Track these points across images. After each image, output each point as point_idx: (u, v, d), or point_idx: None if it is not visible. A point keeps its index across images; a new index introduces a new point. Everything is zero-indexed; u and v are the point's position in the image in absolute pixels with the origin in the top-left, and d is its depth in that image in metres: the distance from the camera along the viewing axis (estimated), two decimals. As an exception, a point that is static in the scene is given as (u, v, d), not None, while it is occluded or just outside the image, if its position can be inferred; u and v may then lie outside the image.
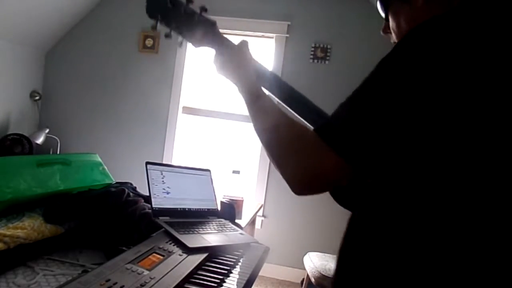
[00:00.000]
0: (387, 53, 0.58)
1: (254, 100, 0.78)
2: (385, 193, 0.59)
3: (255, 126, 0.75)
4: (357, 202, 0.67)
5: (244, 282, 0.95)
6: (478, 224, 0.52)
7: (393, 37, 0.75)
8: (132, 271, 0.80)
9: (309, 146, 0.60)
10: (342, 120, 0.58)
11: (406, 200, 0.56)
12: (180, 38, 0.87)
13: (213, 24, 0.86)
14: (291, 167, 0.63)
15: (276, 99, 0.86)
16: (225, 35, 0.87)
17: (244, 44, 0.85)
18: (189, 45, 0.88)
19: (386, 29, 0.76)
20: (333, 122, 0.59)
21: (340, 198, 0.77)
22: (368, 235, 0.59)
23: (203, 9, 0.86)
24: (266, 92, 0.84)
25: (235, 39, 0.86)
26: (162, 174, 1.28)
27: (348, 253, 0.62)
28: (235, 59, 0.83)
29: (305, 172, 0.60)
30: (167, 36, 0.85)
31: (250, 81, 0.81)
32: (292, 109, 0.86)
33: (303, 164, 0.60)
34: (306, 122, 0.83)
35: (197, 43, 0.87)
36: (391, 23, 0.73)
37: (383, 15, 0.76)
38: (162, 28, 0.83)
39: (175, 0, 0.82)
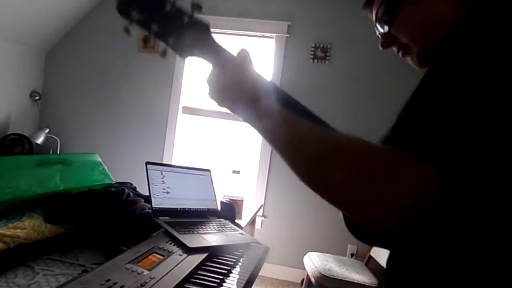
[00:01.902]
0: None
1: (277, 125, 0.58)
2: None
3: (277, 145, 0.58)
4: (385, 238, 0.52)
5: (244, 282, 0.95)
6: None
7: (398, 46, 0.66)
8: (132, 271, 0.80)
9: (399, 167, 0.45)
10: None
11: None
12: (162, 45, 0.66)
13: (206, 28, 0.67)
14: (380, 196, 0.46)
15: None
16: (218, 43, 0.68)
17: (246, 56, 0.64)
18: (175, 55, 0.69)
19: (388, 40, 0.67)
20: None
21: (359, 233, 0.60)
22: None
23: (197, 6, 0.64)
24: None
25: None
26: (162, 174, 1.28)
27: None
28: (238, 78, 0.62)
29: (406, 198, 0.45)
30: (163, 54, 0.67)
31: (263, 106, 0.60)
32: None
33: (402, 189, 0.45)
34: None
35: (185, 53, 0.68)
36: (400, 28, 0.64)
37: (383, 30, 0.66)
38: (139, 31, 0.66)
39: None
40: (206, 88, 0.66)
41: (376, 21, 0.67)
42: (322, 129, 0.57)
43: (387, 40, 0.66)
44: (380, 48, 0.69)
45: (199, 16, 0.65)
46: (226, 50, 0.68)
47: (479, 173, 0.43)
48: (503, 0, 0.49)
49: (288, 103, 0.69)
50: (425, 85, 0.51)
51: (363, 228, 0.53)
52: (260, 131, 0.60)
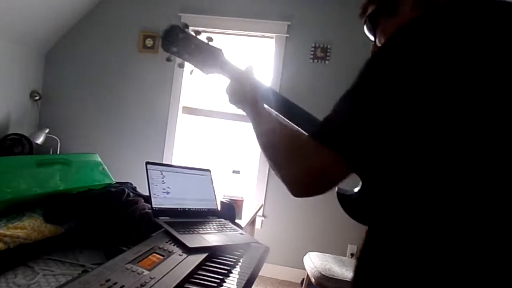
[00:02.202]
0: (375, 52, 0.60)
1: (256, 114, 0.84)
2: (390, 201, 0.60)
3: (255, 133, 0.80)
4: (370, 216, 0.68)
5: (244, 282, 0.95)
6: (474, 223, 0.53)
7: None
8: (132, 271, 0.80)
9: (305, 147, 0.62)
10: (334, 118, 0.61)
11: (404, 202, 0.57)
12: (191, 68, 0.99)
13: (220, 51, 0.97)
14: (289, 169, 0.65)
15: (276, 112, 0.94)
16: (230, 61, 0.96)
17: (250, 69, 0.91)
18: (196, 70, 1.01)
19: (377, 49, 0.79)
20: (326, 121, 0.62)
21: (354, 213, 0.77)
22: (382, 244, 0.61)
23: (209, 39, 0.98)
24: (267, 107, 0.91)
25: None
26: (162, 174, 1.28)
27: (367, 262, 0.63)
28: (246, 86, 0.89)
29: (303, 172, 0.62)
30: (168, 60, 0.99)
31: (257, 103, 0.87)
32: (291, 121, 0.92)
33: (301, 165, 0.62)
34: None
35: (207, 70, 0.97)
36: (380, 40, 0.76)
37: (371, 37, 0.79)
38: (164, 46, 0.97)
39: (186, 34, 0.95)
40: (225, 96, 0.92)
41: (365, 29, 0.80)
42: (281, 122, 0.77)
43: (374, 49, 0.78)
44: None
45: (212, 44, 0.97)
46: (236, 66, 0.95)
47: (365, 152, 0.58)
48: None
49: (282, 104, 0.93)
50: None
51: (354, 207, 0.75)
52: (252, 125, 0.84)
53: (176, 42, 0.95)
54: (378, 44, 0.77)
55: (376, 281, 0.60)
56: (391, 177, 0.60)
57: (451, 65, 0.54)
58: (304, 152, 0.62)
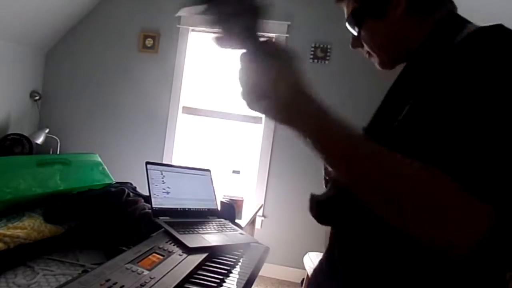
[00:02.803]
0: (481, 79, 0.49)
1: (325, 128, 0.51)
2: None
3: (332, 163, 0.53)
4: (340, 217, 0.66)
5: (244, 282, 0.95)
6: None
7: (366, 49, 0.74)
8: (132, 271, 0.80)
9: (458, 202, 0.46)
10: (492, 165, 0.47)
11: None
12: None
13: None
14: (436, 230, 0.48)
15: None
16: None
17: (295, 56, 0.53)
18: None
19: (356, 44, 0.75)
20: (482, 168, 0.47)
21: (320, 215, 0.71)
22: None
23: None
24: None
25: None
26: (162, 174, 1.28)
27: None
28: (301, 76, 0.52)
29: (463, 238, 0.47)
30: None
31: (324, 106, 0.52)
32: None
33: (461, 228, 0.47)
34: None
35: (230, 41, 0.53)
36: (365, 38, 0.72)
37: (354, 32, 0.73)
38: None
39: None
40: (252, 91, 0.52)
41: (346, 23, 0.74)
42: (383, 149, 0.50)
43: (356, 44, 0.75)
44: (351, 48, 0.77)
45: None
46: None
47: None
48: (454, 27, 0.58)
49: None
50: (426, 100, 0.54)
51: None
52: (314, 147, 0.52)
53: None
54: (365, 44, 0.72)
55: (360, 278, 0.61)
56: None
57: None
58: (458, 210, 0.46)
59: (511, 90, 0.48)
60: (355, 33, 0.73)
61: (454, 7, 0.67)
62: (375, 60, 0.74)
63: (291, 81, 0.51)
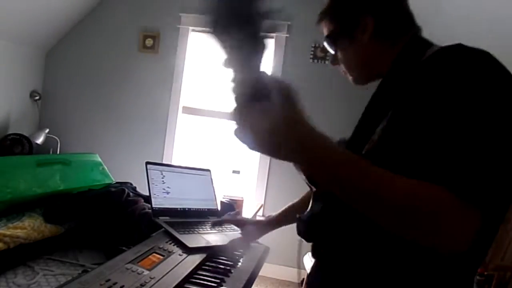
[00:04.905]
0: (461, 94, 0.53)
1: (325, 156, 0.52)
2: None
3: (337, 188, 0.53)
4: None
5: (244, 282, 0.95)
6: None
7: (342, 68, 0.81)
8: (132, 271, 0.80)
9: (449, 210, 0.49)
10: (481, 172, 0.50)
11: None
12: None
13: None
14: (428, 237, 0.52)
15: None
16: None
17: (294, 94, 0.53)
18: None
19: (335, 61, 0.82)
20: (473, 175, 0.50)
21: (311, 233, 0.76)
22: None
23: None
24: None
25: None
26: (162, 174, 1.28)
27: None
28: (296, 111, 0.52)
29: (453, 241, 0.51)
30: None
31: (321, 135, 0.52)
32: None
33: (449, 233, 0.51)
34: None
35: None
36: (341, 57, 0.79)
37: (331, 51, 0.81)
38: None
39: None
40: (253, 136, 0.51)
41: (325, 42, 0.82)
42: (377, 168, 0.52)
43: (334, 62, 0.82)
44: (330, 64, 0.85)
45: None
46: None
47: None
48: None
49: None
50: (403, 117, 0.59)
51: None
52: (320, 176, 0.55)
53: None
54: (340, 62, 0.80)
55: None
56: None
57: None
58: (450, 218, 0.50)
59: (477, 95, 0.53)
60: (333, 52, 0.81)
61: (419, 30, 0.74)
62: (348, 77, 0.82)
63: (299, 120, 0.51)
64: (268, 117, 0.49)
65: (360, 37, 0.73)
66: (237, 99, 0.51)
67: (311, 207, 0.75)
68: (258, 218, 3.11)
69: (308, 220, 0.76)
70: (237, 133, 0.53)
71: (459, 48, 0.58)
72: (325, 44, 0.82)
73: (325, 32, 0.82)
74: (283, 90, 0.51)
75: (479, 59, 0.56)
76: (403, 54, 0.70)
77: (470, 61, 0.56)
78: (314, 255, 0.77)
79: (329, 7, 0.80)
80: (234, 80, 0.51)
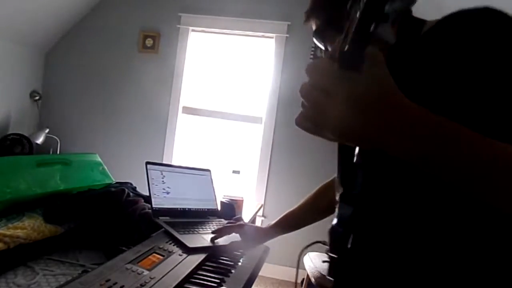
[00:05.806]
0: None
1: (440, 131, 0.39)
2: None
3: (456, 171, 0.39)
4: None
5: (244, 282, 0.95)
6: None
7: None
8: (132, 271, 0.80)
9: None
10: None
11: None
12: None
13: None
14: None
15: None
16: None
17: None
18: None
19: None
20: None
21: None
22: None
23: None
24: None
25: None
26: (162, 174, 1.28)
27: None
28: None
29: None
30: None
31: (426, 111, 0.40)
32: None
33: None
34: None
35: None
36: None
37: (322, 47, 0.79)
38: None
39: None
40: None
41: (314, 38, 0.79)
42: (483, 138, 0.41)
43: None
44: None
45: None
46: None
47: None
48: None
49: None
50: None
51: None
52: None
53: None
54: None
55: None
56: None
57: None
58: None
59: None
60: (323, 48, 0.79)
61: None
62: None
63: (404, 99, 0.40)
64: (377, 83, 0.39)
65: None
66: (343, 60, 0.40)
67: (339, 211, 0.61)
68: (257, 217, 3.12)
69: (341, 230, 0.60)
70: (314, 114, 0.41)
71: (466, 10, 0.56)
72: (314, 40, 0.79)
73: (313, 28, 0.80)
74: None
75: (489, 13, 0.54)
76: (399, 33, 0.64)
77: (491, 14, 0.54)
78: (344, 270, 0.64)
79: (314, 2, 0.78)
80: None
